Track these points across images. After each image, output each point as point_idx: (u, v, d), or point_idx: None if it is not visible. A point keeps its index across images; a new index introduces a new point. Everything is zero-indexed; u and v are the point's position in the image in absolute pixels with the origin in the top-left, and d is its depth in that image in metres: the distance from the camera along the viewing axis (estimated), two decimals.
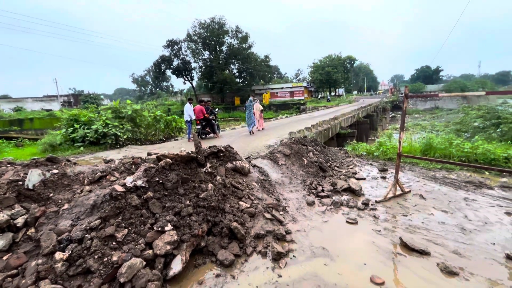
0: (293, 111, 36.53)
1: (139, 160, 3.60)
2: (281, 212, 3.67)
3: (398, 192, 4.39)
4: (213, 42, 44.10)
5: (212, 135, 10.95)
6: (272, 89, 49.16)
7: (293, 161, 5.33)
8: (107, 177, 3.24)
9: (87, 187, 3.02)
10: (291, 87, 49.31)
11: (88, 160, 6.86)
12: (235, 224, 2.99)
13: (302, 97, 47.10)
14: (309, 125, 12.50)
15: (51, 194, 2.89)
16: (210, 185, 3.40)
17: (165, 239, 2.54)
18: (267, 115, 36.95)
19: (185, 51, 44.84)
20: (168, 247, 2.49)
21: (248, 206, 3.49)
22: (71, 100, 45.54)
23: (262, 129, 12.68)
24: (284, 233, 3.13)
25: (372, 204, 4.02)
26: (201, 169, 3.64)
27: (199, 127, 10.40)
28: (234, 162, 4.16)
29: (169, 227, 2.65)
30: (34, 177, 2.85)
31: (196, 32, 43.98)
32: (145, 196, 2.87)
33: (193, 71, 46.49)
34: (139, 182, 2.92)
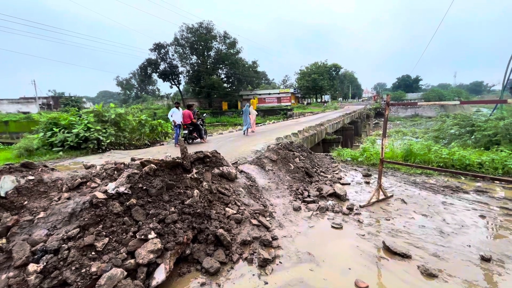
0: (280, 117, 36.90)
1: (122, 165, 3.49)
2: (267, 218, 3.67)
3: (381, 196, 4.51)
4: (201, 47, 44.07)
5: (199, 140, 10.84)
6: (260, 94, 49.53)
7: (280, 167, 5.36)
8: (88, 183, 3.11)
9: (66, 194, 2.88)
10: (278, 93, 49.90)
11: (68, 165, 6.57)
12: (221, 230, 2.96)
13: (289, 103, 47.75)
14: (296, 131, 12.66)
15: (26, 202, 2.74)
16: (196, 191, 3.35)
17: (148, 247, 2.46)
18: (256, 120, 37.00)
19: (172, 55, 44.54)
20: (151, 255, 2.41)
21: (235, 212, 3.46)
22: (51, 102, 43.68)
23: (252, 131, 13.74)
24: (271, 239, 3.12)
25: (356, 209, 4.10)
26: (186, 175, 3.58)
27: (186, 131, 10.27)
28: (221, 168, 4.13)
29: (152, 235, 2.57)
30: (7, 184, 2.69)
31: (183, 36, 43.81)
32: (128, 203, 2.78)
33: (180, 75, 46.15)
34: (121, 189, 2.83)
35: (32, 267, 2.11)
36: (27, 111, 36.27)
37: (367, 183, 5.45)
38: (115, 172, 3.34)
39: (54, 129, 8.52)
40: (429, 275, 2.51)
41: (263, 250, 2.92)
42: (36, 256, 2.20)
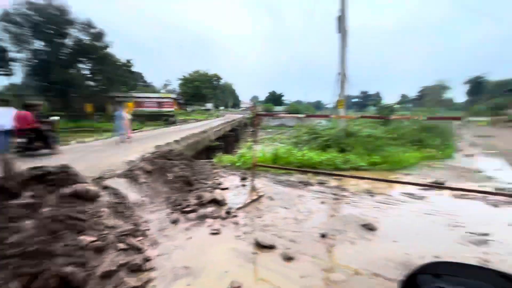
0: (162, 123, 34.42)
1: None
2: (139, 238, 3.23)
3: (255, 197, 5.05)
4: (51, 31, 34.24)
5: (47, 150, 8.22)
6: (138, 98, 44.33)
7: (156, 177, 4.93)
8: None
9: None
10: (159, 98, 46.58)
11: None
12: (70, 268, 2.31)
13: (172, 109, 45.54)
14: (178, 138, 12.16)
15: None
16: (27, 223, 2.46)
17: None
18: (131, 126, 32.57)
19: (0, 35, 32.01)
20: None
21: (94, 239, 2.81)
22: None
23: (128, 137, 11.71)
24: (141, 263, 2.76)
25: (233, 212, 4.36)
26: (12, 202, 2.58)
27: (24, 139, 7.56)
28: (74, 186, 3.28)
29: None
30: None
31: (19, 12, 32.55)
32: None
33: (15, 63, 33.83)
34: None
35: None
36: None
37: (244, 185, 5.96)
38: None
39: None
40: (288, 258, 3.00)
41: (130, 278, 2.52)
42: None
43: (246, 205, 4.69)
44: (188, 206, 4.40)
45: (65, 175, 3.30)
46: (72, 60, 37.02)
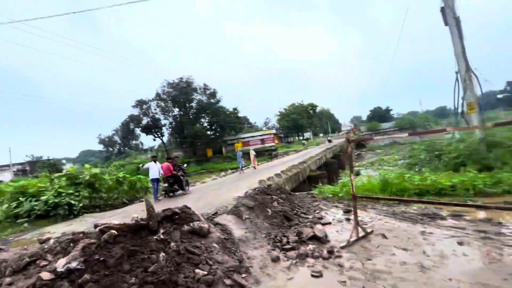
0: (266, 158, 37.23)
1: (81, 235, 3.24)
2: (243, 275, 3.40)
3: (362, 233, 4.39)
4: (182, 100, 45.93)
5: (180, 192, 10.52)
6: (244, 138, 50.64)
7: (258, 213, 5.21)
8: (37, 262, 2.82)
9: (8, 279, 2.57)
10: (261, 135, 51.31)
11: (30, 238, 6.02)
12: None
13: (273, 143, 48.84)
14: (278, 171, 12.70)
15: None
16: (162, 255, 3.11)
17: None
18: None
19: (155, 109, 45.81)
20: None
21: (206, 273, 3.19)
22: (27, 168, 41.94)
23: (254, 167, 18.33)
24: None
25: (337, 251, 3.93)
26: (152, 237, 3.36)
27: (166, 185, 10.01)
28: (192, 224, 3.94)
29: None
30: None
31: (165, 91, 45.83)
32: (80, 281, 2.51)
33: (163, 128, 46.86)
34: (73, 264, 2.58)
35: None
36: (1, 180, 34.31)
37: (348, 219, 5.35)
38: (71, 245, 3.08)
39: (20, 198, 8.01)
40: None
41: None
42: None
43: (351, 244, 4.13)
44: (288, 242, 4.33)
45: (185, 215, 4.05)
46: (197, 117, 47.39)
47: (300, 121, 55.66)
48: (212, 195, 9.07)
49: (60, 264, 2.55)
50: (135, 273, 2.81)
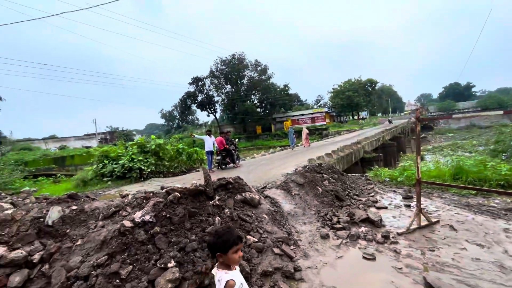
0: (315, 137, 36.13)
1: (151, 194, 3.74)
2: (292, 247, 3.49)
3: (424, 222, 3.98)
4: (234, 76, 46.82)
5: (232, 165, 11.12)
6: (293, 116, 49.67)
7: (307, 191, 5.16)
8: (120, 212, 3.39)
9: (101, 223, 3.17)
10: (312, 113, 49.46)
11: (114, 193, 7.25)
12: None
13: (324, 122, 46.77)
14: (329, 151, 12.21)
15: (68, 230, 3.08)
16: (217, 219, 3.39)
17: (167, 276, 2.51)
18: (288, 142, 36.92)
19: (209, 86, 47.95)
20: (170, 285, 2.45)
21: (256, 240, 3.37)
22: (107, 137, 49.71)
23: (309, 145, 17.27)
24: (293, 271, 2.94)
25: (393, 237, 3.67)
26: (209, 202, 3.67)
27: (219, 157, 10.66)
28: (244, 194, 4.14)
29: (172, 263, 2.63)
30: (54, 214, 3.08)
31: (218, 69, 47.24)
32: (152, 231, 2.93)
33: (216, 104, 49.07)
34: (147, 217, 3.01)
35: None
36: (89, 146, 41.74)
37: (408, 206, 4.89)
38: (144, 201, 3.58)
39: (104, 161, 9.61)
40: None
41: (284, 283, 2.76)
42: (69, 282, 2.41)
43: (410, 231, 3.80)
44: (338, 222, 4.23)
45: (238, 185, 4.27)
46: (247, 94, 48.04)
47: (356, 99, 51.37)
48: (261, 170, 9.33)
49: (137, 216, 3.01)
50: (194, 231, 3.14)
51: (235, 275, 1.64)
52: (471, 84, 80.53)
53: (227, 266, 1.67)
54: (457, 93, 78.06)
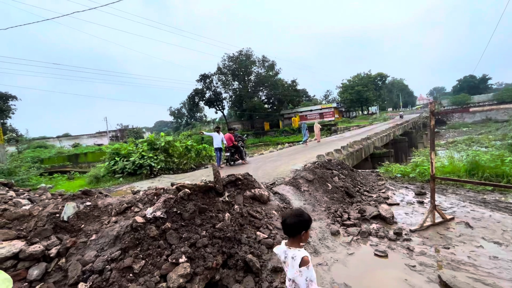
0: (324, 133, 35.75)
1: (161, 191, 3.79)
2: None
3: (438, 219, 3.88)
4: (241, 73, 46.71)
5: (240, 161, 11.15)
6: (301, 112, 49.24)
7: (317, 187, 5.11)
8: (132, 208, 3.45)
9: (114, 218, 3.24)
10: (320, 109, 48.89)
11: (125, 190, 7.41)
12: (250, 256, 2.90)
13: (333, 118, 46.17)
14: (338, 147, 12.06)
15: (83, 225, 3.16)
16: (227, 215, 3.40)
17: (178, 271, 2.55)
18: (297, 138, 36.74)
19: (216, 83, 48.04)
20: (181, 280, 2.49)
21: (266, 236, 3.38)
22: (118, 134, 50.71)
23: (318, 141, 17.61)
24: None
25: (406, 234, 3.60)
26: (219, 198, 3.69)
27: (228, 154, 10.70)
28: (253, 190, 4.15)
29: (183, 259, 2.67)
30: (69, 210, 3.17)
31: (225, 65, 47.22)
32: (163, 227, 2.97)
33: (224, 101, 49.16)
34: (158, 213, 3.06)
35: (81, 286, 2.38)
36: (101, 143, 42.71)
37: (421, 203, 4.78)
38: (155, 197, 3.63)
39: (116, 158, 9.81)
40: None
41: None
42: (85, 276, 2.48)
43: (424, 228, 3.71)
44: (349, 218, 4.18)
45: (247, 181, 4.27)
46: (255, 91, 47.89)
47: (365, 94, 50.38)
48: (270, 166, 9.31)
49: (148, 212, 3.06)
50: (205, 227, 3.17)
51: (307, 252, 1.72)
52: (487, 77, 77.39)
53: (298, 245, 1.76)
54: (472, 86, 75.26)
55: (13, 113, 37.44)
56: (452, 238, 3.42)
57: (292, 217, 1.74)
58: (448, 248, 3.17)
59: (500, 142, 15.07)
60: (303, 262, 1.63)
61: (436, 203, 4.00)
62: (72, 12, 8.56)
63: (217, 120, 61.89)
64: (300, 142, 17.21)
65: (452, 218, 3.96)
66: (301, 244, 1.80)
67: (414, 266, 2.85)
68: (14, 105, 37.36)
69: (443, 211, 4.06)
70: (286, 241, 1.83)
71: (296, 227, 1.73)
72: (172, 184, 4.52)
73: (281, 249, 1.80)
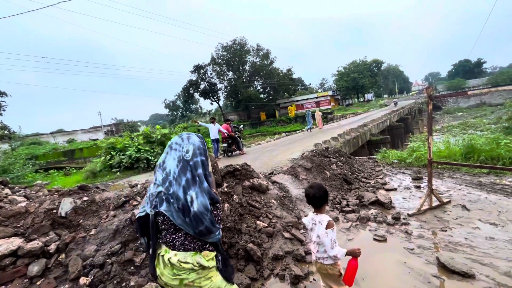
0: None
1: None
2: (301, 231, 3.50)
3: (435, 203, 3.94)
4: (236, 63, 45.94)
5: (238, 152, 11.13)
6: (297, 101, 48.99)
7: (315, 175, 5.13)
8: (130, 201, 3.42)
9: (112, 213, 3.21)
10: (316, 97, 48.68)
11: (123, 184, 7.36)
12: (251, 245, 2.92)
13: (329, 106, 46.08)
14: (335, 135, 12.07)
15: (81, 221, 3.13)
16: (226, 205, 3.40)
17: None
18: (294, 127, 36.75)
19: (211, 74, 47.24)
20: None
21: (266, 225, 3.39)
22: (113, 129, 50.12)
23: (320, 128, 18.37)
24: (304, 254, 2.96)
25: (404, 218, 3.64)
26: (217, 189, 3.66)
27: (225, 145, 10.66)
28: (251, 180, 4.13)
29: None
30: (66, 205, 3.13)
31: (219, 55, 46.33)
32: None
33: (219, 92, 48.54)
34: None
35: (82, 280, 2.38)
36: (96, 138, 42.26)
37: (418, 187, 4.83)
38: None
39: (112, 152, 9.70)
40: None
41: (295, 265, 2.78)
42: (86, 270, 2.47)
43: (421, 212, 3.76)
44: (347, 205, 4.22)
45: (245, 171, 4.25)
46: (250, 80, 47.31)
47: (361, 81, 50.16)
48: (267, 156, 9.31)
49: None
50: None
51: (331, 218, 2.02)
52: (482, 61, 77.43)
53: (322, 214, 2.04)
54: (467, 70, 75.34)
55: (4, 110, 36.60)
56: (449, 220, 3.47)
57: (319, 191, 2.00)
58: (446, 231, 3.22)
59: (494, 126, 15.23)
60: (329, 225, 1.92)
61: (433, 187, 4.04)
62: (57, 2, 8.23)
63: (213, 111, 61.37)
64: (305, 129, 18.81)
65: (449, 201, 4.01)
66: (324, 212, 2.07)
67: (412, 249, 2.90)
68: (4, 102, 36.48)
69: (440, 195, 4.11)
70: (313, 211, 2.10)
71: (322, 199, 2.01)
72: None
73: (309, 217, 2.08)
